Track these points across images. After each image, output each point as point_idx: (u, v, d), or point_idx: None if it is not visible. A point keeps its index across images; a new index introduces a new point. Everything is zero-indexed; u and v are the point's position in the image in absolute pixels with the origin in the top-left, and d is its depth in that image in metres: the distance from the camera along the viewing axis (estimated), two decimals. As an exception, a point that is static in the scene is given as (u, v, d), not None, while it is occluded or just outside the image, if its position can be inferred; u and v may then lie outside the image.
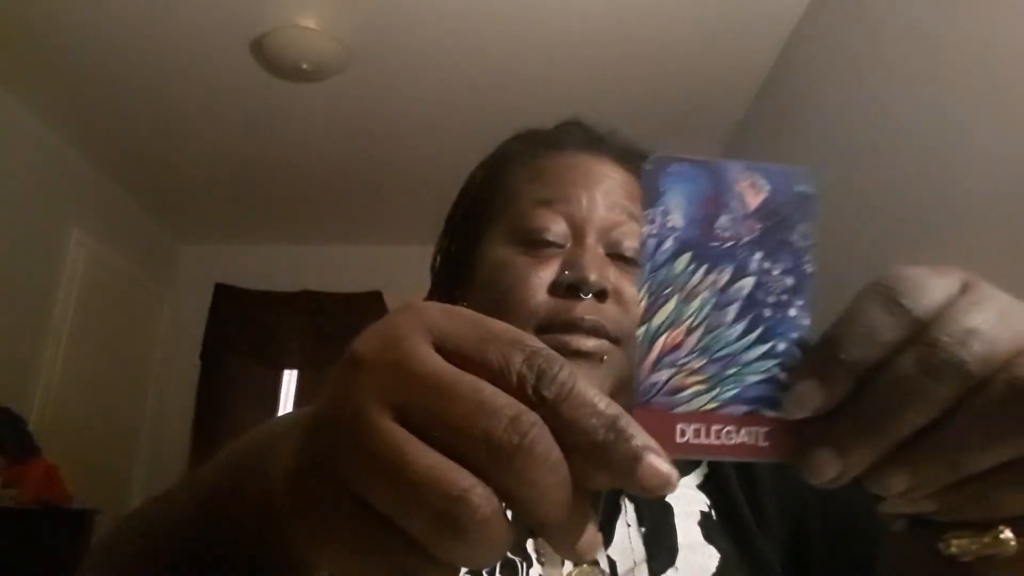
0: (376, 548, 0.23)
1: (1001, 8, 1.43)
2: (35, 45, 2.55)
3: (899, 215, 1.72)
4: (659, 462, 0.23)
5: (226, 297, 4.09)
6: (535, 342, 0.25)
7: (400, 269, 3.25)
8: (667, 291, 0.29)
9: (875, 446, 0.26)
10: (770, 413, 0.28)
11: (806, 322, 0.29)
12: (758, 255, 0.29)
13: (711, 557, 0.53)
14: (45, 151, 3.09)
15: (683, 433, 0.28)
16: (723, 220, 0.29)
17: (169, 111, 2.95)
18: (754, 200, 0.29)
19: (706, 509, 0.56)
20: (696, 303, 0.29)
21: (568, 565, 0.52)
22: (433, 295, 0.72)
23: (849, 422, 0.26)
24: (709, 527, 0.55)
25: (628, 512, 0.55)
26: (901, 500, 0.27)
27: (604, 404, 0.24)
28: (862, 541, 0.51)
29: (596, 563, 0.52)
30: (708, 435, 0.28)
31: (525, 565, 0.52)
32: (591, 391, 0.24)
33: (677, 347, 0.29)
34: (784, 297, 0.29)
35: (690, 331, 0.29)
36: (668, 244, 0.29)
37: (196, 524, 0.37)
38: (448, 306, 0.26)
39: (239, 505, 0.33)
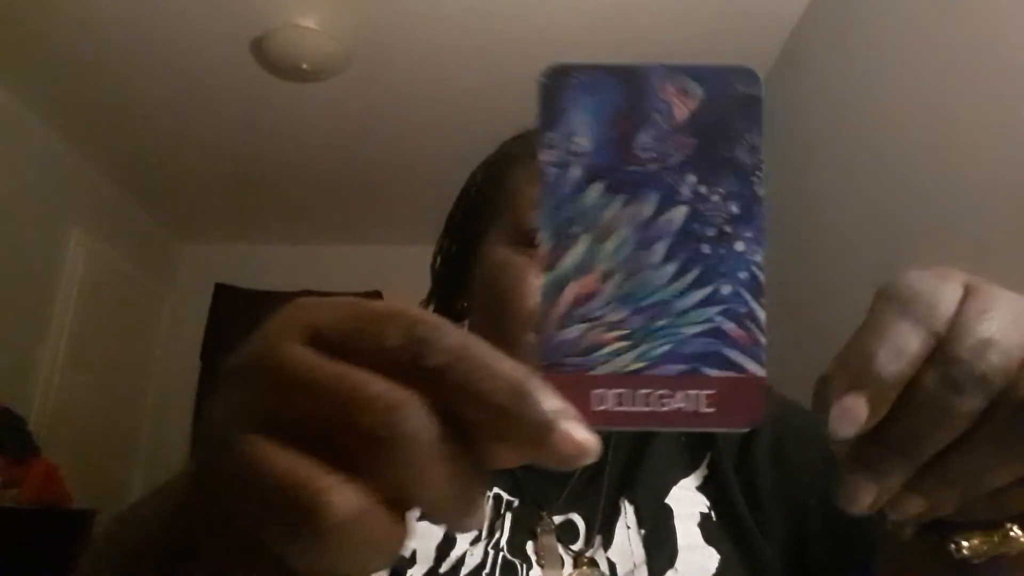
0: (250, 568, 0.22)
1: (1001, 7, 1.43)
2: (35, 45, 2.55)
3: (900, 214, 1.72)
4: (574, 428, 0.20)
5: (226, 297, 4.09)
6: (419, 312, 0.22)
7: (400, 269, 3.24)
8: (575, 230, 0.24)
9: (908, 469, 0.24)
10: (714, 372, 0.23)
11: (757, 257, 0.24)
12: (691, 178, 0.24)
13: (711, 558, 0.53)
14: (45, 151, 3.09)
15: (601, 399, 0.23)
16: (644, 138, 0.24)
17: (169, 111, 2.95)
18: (685, 109, 0.24)
19: (706, 511, 0.56)
20: (612, 242, 0.24)
21: (568, 566, 0.52)
22: (433, 295, 0.72)
23: (883, 446, 0.24)
24: (709, 529, 0.55)
25: (628, 514, 0.55)
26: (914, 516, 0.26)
27: (506, 366, 0.21)
28: (862, 542, 0.51)
29: (596, 565, 0.52)
30: (633, 401, 0.23)
31: (525, 567, 0.52)
32: (489, 353, 0.21)
33: (590, 297, 0.24)
34: (727, 228, 0.24)
35: (606, 277, 0.24)
36: (574, 172, 0.24)
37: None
38: (333, 298, 0.23)
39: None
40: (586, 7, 2.32)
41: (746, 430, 0.23)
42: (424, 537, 0.53)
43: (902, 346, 0.24)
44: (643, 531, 0.54)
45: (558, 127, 0.24)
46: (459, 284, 0.69)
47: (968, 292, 0.25)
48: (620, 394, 0.23)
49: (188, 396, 3.92)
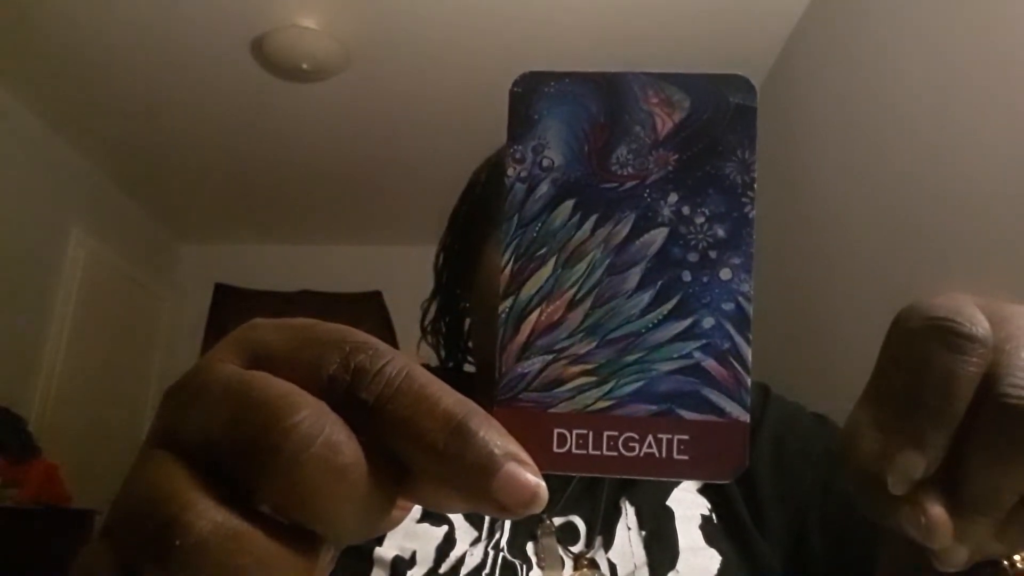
0: None
1: (1001, 7, 1.43)
2: (35, 45, 2.55)
3: (900, 214, 1.72)
4: (520, 472, 0.18)
5: (226, 297, 4.09)
6: (363, 337, 0.20)
7: (400, 269, 3.25)
8: (541, 252, 0.21)
9: (989, 522, 0.23)
10: (690, 414, 0.21)
11: (745, 287, 0.22)
12: (673, 197, 0.21)
13: (712, 559, 0.53)
14: (45, 151, 3.09)
15: (562, 440, 0.21)
16: (621, 152, 0.22)
17: (169, 111, 2.95)
18: (668, 121, 0.22)
19: (707, 512, 0.56)
20: (582, 266, 0.21)
21: (568, 567, 0.52)
22: (435, 294, 0.72)
23: (964, 503, 0.22)
24: (710, 530, 0.55)
25: (629, 515, 0.55)
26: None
27: (449, 401, 0.19)
28: (862, 544, 0.51)
29: (596, 566, 0.52)
30: (599, 444, 0.21)
31: (525, 567, 0.52)
32: (433, 386, 0.19)
33: (554, 326, 0.21)
34: (712, 253, 0.21)
35: (573, 304, 0.21)
36: (543, 189, 0.22)
37: None
38: (283, 320, 0.22)
39: None
40: (586, 7, 2.32)
41: (725, 481, 0.21)
42: (424, 538, 0.53)
43: (950, 381, 0.22)
44: (644, 532, 0.54)
45: (527, 139, 0.22)
46: (461, 283, 0.69)
47: (993, 320, 0.24)
48: (583, 436, 0.21)
49: (188, 396, 3.92)
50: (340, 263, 4.07)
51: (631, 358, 0.21)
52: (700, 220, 0.21)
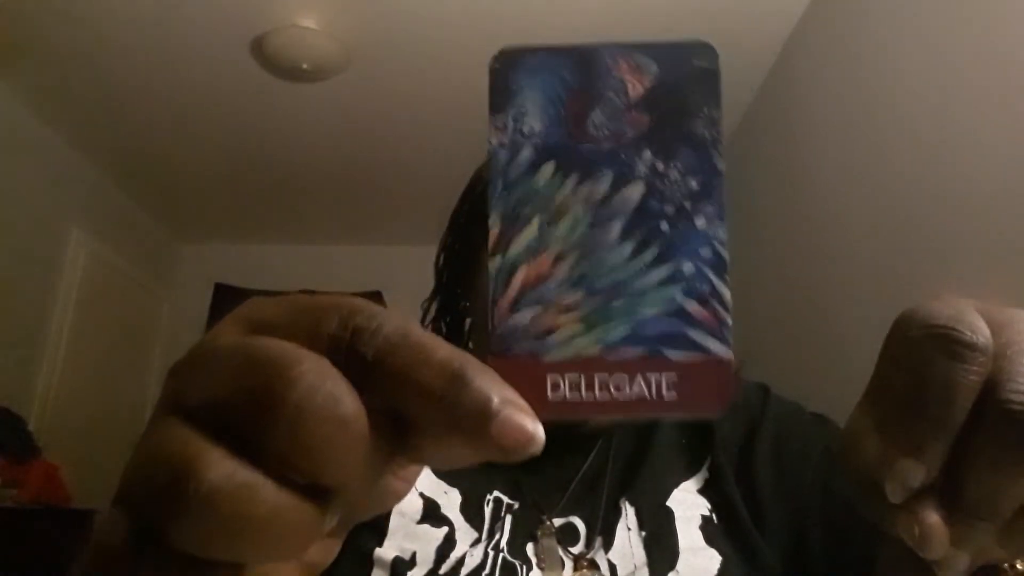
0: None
1: (1001, 7, 1.43)
2: (35, 45, 2.55)
3: (900, 214, 1.72)
4: (517, 415, 0.19)
5: (226, 297, 4.09)
6: (359, 303, 0.21)
7: (400, 269, 3.25)
8: (526, 212, 0.23)
9: (990, 528, 0.23)
10: (676, 354, 0.22)
11: (720, 233, 0.22)
12: (647, 154, 0.23)
13: (712, 559, 0.53)
14: (45, 151, 3.09)
15: (556, 387, 0.22)
16: (597, 116, 0.23)
17: (169, 111, 2.95)
18: (639, 86, 0.23)
19: (707, 513, 0.56)
20: (566, 222, 0.22)
21: (568, 569, 0.52)
22: (436, 293, 0.72)
23: (965, 509, 0.23)
24: (710, 531, 0.55)
25: (629, 516, 0.55)
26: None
27: (445, 351, 0.19)
28: (862, 543, 0.51)
29: (596, 567, 0.52)
30: (591, 388, 0.22)
31: (524, 568, 0.52)
32: (429, 339, 0.19)
33: (543, 279, 0.22)
34: (687, 204, 0.22)
35: (559, 258, 0.22)
36: (525, 154, 0.23)
37: None
38: (285, 296, 0.22)
39: None
40: (586, 7, 2.32)
41: (714, 417, 0.22)
42: (424, 539, 0.53)
43: (951, 389, 0.22)
44: (644, 533, 0.54)
45: (507, 108, 0.23)
46: (462, 283, 0.69)
47: (994, 326, 0.24)
48: (575, 381, 0.22)
49: (188, 396, 3.93)
50: (340, 263, 4.07)
51: (617, 304, 0.22)
52: (674, 174, 0.23)
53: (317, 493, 0.19)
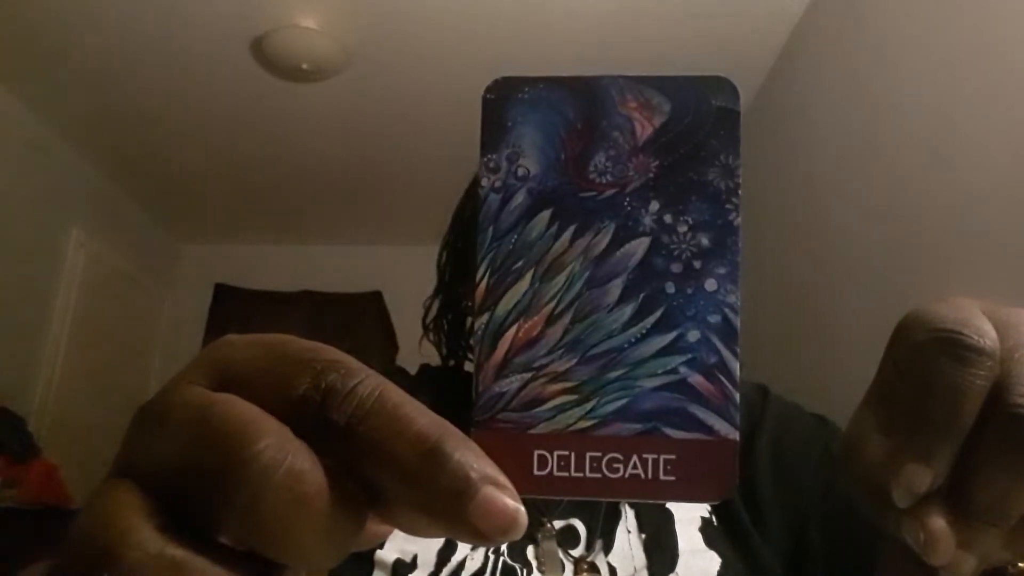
0: None
1: (1001, 7, 1.43)
2: (34, 45, 2.55)
3: (900, 214, 1.72)
4: (498, 496, 0.17)
5: (226, 297, 4.09)
6: (336, 355, 0.19)
7: (400, 269, 3.25)
8: (518, 265, 0.21)
9: (998, 532, 0.23)
10: (676, 433, 0.20)
11: (731, 298, 0.20)
12: (654, 205, 0.20)
13: (712, 561, 0.53)
14: (45, 152, 3.08)
15: (543, 463, 0.20)
16: (599, 159, 0.21)
17: (169, 111, 2.94)
18: (648, 126, 0.21)
19: (707, 515, 0.56)
20: (561, 279, 0.21)
21: (569, 571, 0.52)
22: (438, 292, 0.72)
23: (972, 513, 0.22)
24: (710, 533, 0.55)
25: (628, 518, 0.55)
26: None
27: (423, 422, 0.18)
28: (862, 545, 0.51)
29: (596, 570, 0.52)
30: (581, 466, 0.20)
31: (525, 571, 0.52)
32: (406, 406, 0.18)
33: (533, 342, 0.21)
34: (696, 263, 0.20)
35: (552, 319, 0.21)
36: (518, 199, 0.21)
37: None
38: (257, 336, 0.21)
39: None
40: (586, 8, 2.32)
41: (713, 503, 0.21)
42: (425, 541, 0.53)
43: (958, 394, 0.22)
44: (644, 535, 0.54)
45: (501, 147, 0.21)
46: (463, 283, 0.69)
47: (1000, 328, 0.23)
48: (564, 457, 0.20)
49: (188, 396, 3.92)
50: (340, 263, 4.07)
51: (613, 375, 0.20)
52: (683, 229, 0.21)
53: (270, 564, 0.18)
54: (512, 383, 0.20)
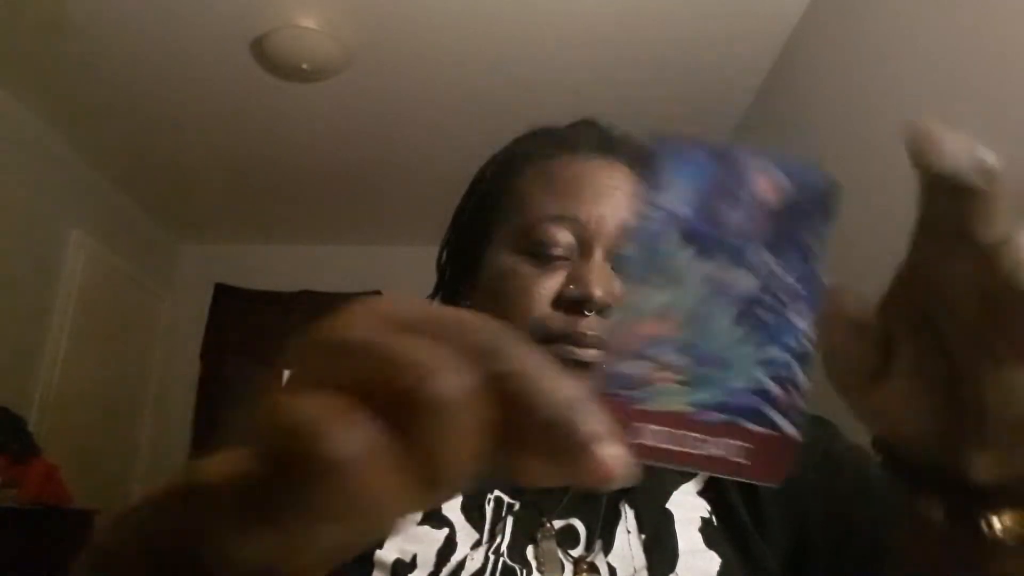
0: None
1: (1000, 7, 1.43)
2: (34, 45, 2.55)
3: (900, 215, 1.72)
4: (614, 451, 0.21)
5: (226, 297, 4.09)
6: (493, 323, 0.23)
7: (400, 269, 3.25)
8: (659, 279, 0.26)
9: None
10: (754, 427, 0.25)
11: (809, 330, 0.27)
12: (767, 255, 0.27)
13: (712, 561, 0.53)
14: (45, 152, 3.09)
15: (643, 433, 0.25)
16: (732, 213, 0.27)
17: (169, 111, 2.94)
18: (769, 194, 0.27)
19: (707, 515, 0.56)
20: (689, 296, 0.26)
21: (568, 571, 0.52)
22: (438, 291, 0.72)
23: None
24: (710, 533, 0.55)
25: (628, 519, 0.55)
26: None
27: (566, 383, 0.21)
28: (864, 548, 0.51)
29: (596, 570, 0.52)
30: (674, 439, 0.25)
31: (525, 572, 0.52)
32: (553, 369, 0.22)
33: (657, 338, 0.26)
34: (789, 301, 0.27)
35: (676, 325, 0.26)
36: (672, 232, 0.27)
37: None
38: (412, 298, 0.24)
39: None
40: (586, 8, 2.32)
41: (774, 485, 0.25)
42: (425, 542, 0.53)
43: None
44: (644, 536, 0.54)
45: (663, 189, 0.27)
46: (464, 282, 0.69)
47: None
48: (662, 431, 0.25)
49: (188, 396, 3.92)
50: (340, 263, 4.07)
51: (714, 374, 0.26)
52: (783, 274, 0.27)
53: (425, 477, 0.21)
54: (633, 367, 0.26)
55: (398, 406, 0.20)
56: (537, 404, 0.21)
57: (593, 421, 0.21)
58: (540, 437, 0.21)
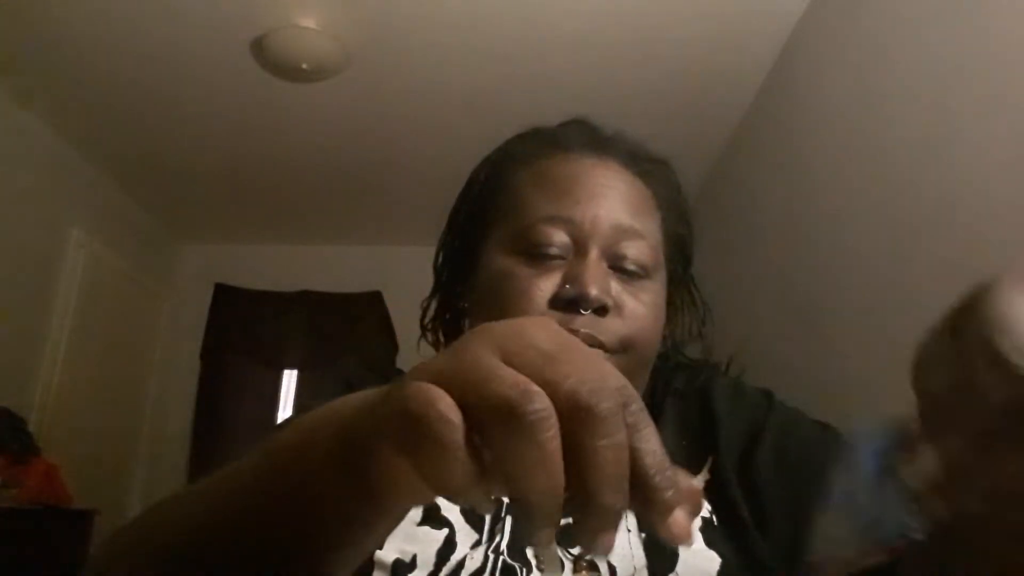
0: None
1: (1000, 7, 1.43)
2: (34, 46, 2.55)
3: (901, 215, 1.72)
4: (685, 517, 0.27)
5: (226, 297, 4.09)
6: (622, 380, 0.28)
7: (400, 269, 3.25)
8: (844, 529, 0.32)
9: None
10: None
11: None
12: None
13: (712, 561, 0.53)
14: (45, 151, 3.09)
15: None
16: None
17: (169, 111, 2.95)
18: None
19: (707, 515, 0.56)
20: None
21: (568, 570, 0.52)
22: (435, 292, 0.72)
23: None
24: (710, 533, 0.55)
25: (628, 518, 0.55)
26: None
27: (661, 449, 0.27)
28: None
29: (596, 569, 0.52)
30: None
31: (524, 570, 0.52)
32: (654, 428, 0.27)
33: None
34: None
35: None
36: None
37: (257, 487, 0.37)
38: (513, 323, 0.30)
39: (310, 456, 0.35)
40: (585, 7, 2.32)
41: None
42: (425, 541, 0.53)
43: None
44: (644, 535, 0.54)
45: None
46: (461, 283, 0.69)
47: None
48: None
49: (188, 396, 3.93)
50: (340, 263, 4.07)
51: None
52: None
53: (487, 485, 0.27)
54: None
55: (497, 421, 0.26)
56: (645, 463, 0.26)
57: (677, 487, 0.26)
58: (640, 488, 0.26)
